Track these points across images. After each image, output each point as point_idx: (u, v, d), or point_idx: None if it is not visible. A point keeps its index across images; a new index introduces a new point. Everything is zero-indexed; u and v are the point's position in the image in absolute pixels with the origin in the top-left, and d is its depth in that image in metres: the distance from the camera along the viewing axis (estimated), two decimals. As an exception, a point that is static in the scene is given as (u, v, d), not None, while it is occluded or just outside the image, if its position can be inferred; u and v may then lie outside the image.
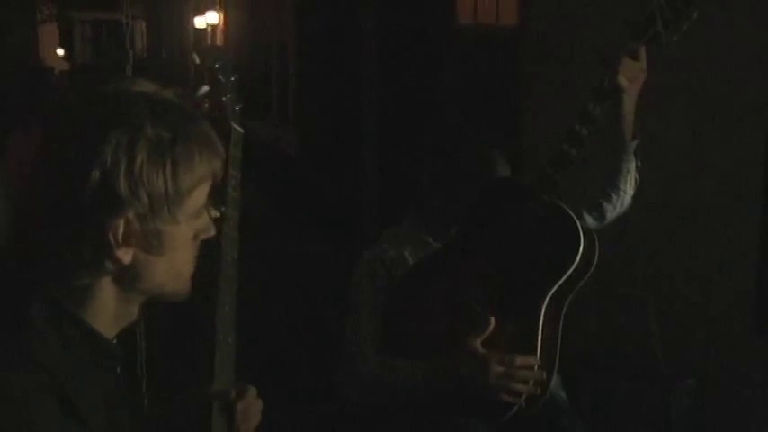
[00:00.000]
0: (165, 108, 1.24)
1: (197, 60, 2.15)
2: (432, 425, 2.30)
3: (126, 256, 1.20)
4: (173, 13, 17.17)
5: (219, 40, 14.42)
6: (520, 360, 2.14)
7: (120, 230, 1.18)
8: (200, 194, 1.27)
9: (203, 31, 15.10)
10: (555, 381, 2.40)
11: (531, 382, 2.15)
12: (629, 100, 2.16)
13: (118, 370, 1.33)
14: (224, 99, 1.78)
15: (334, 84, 7.76)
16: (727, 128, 3.03)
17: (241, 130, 1.77)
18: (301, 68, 9.05)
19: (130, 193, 1.17)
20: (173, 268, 1.27)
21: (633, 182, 2.31)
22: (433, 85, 6.59)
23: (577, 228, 2.18)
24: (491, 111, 5.51)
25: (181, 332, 1.82)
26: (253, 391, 1.56)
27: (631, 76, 2.13)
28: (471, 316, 2.22)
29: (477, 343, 2.16)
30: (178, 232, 1.25)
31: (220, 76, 1.80)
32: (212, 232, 1.34)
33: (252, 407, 1.56)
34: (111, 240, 1.18)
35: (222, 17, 14.16)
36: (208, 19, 14.66)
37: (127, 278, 1.24)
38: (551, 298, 2.19)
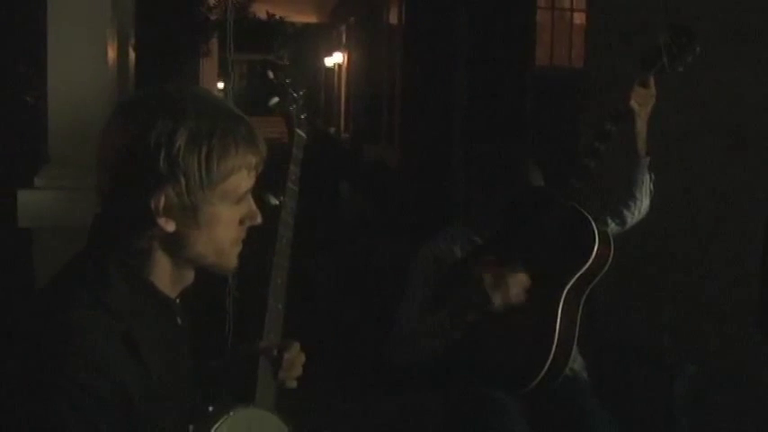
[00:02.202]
0: (213, 107, 1.25)
1: (271, 75, 2.16)
2: (465, 397, 2.26)
3: (168, 225, 1.22)
4: (310, 55, 17.48)
5: (343, 77, 14.60)
6: (519, 280, 2.11)
7: (162, 202, 1.20)
8: (237, 182, 1.26)
9: (331, 69, 15.33)
10: (579, 363, 2.35)
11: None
12: (641, 121, 2.15)
13: (179, 321, 1.34)
14: (291, 109, 1.78)
15: (432, 112, 7.78)
16: (730, 135, 2.90)
17: (303, 135, 1.77)
18: (406, 100, 9.09)
19: (169, 171, 1.19)
20: (213, 242, 1.27)
21: (648, 192, 2.27)
22: (514, 114, 6.55)
23: (594, 231, 2.17)
24: (558, 135, 5.46)
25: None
26: (297, 346, 1.55)
27: (642, 101, 2.12)
28: None
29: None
30: (216, 211, 1.25)
31: (291, 90, 1.80)
32: (258, 220, 1.33)
33: (296, 359, 1.55)
34: (154, 209, 1.20)
35: (346, 57, 14.34)
36: (335, 59, 14.87)
37: (173, 246, 1.26)
38: (570, 289, 2.16)
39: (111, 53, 2.85)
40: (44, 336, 1.15)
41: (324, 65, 16.27)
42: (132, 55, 3.56)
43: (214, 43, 8.91)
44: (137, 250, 1.25)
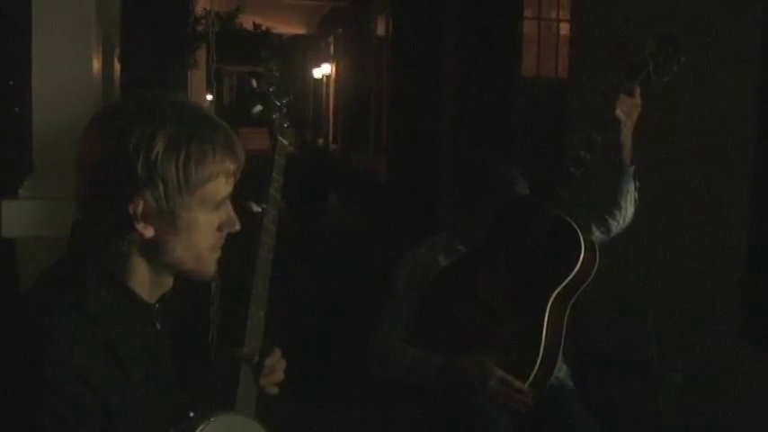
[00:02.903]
0: (191, 114, 1.25)
1: (255, 84, 2.17)
2: (451, 406, 2.25)
3: (146, 230, 1.22)
4: (298, 66, 17.49)
5: (332, 87, 14.61)
6: (517, 385, 2.10)
7: (140, 207, 1.20)
8: (215, 188, 1.26)
9: (320, 80, 15.34)
10: (564, 371, 2.35)
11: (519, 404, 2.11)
12: (626, 130, 2.14)
13: (159, 327, 1.34)
14: (274, 117, 1.78)
15: (419, 124, 7.81)
16: (712, 141, 2.91)
17: (286, 143, 1.76)
18: (393, 111, 9.11)
19: (147, 176, 1.19)
20: (191, 248, 1.27)
21: (633, 200, 2.27)
22: (501, 125, 6.57)
23: (580, 239, 2.16)
24: (545, 145, 5.49)
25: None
26: (278, 352, 1.55)
27: (627, 110, 2.11)
28: (491, 313, 2.20)
29: (490, 357, 2.13)
30: (194, 217, 1.25)
31: (273, 99, 1.80)
32: (237, 227, 1.32)
33: (277, 365, 1.55)
34: (132, 214, 1.20)
35: (334, 68, 14.37)
36: (323, 70, 14.89)
37: (151, 251, 1.25)
38: (556, 297, 2.15)
39: (97, 64, 2.84)
40: (22, 341, 1.15)
41: (312, 76, 16.29)
42: (117, 66, 3.55)
43: (202, 55, 8.90)
44: (115, 255, 1.24)
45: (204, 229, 1.27)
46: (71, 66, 2.71)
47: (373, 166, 10.06)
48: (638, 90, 2.10)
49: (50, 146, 2.77)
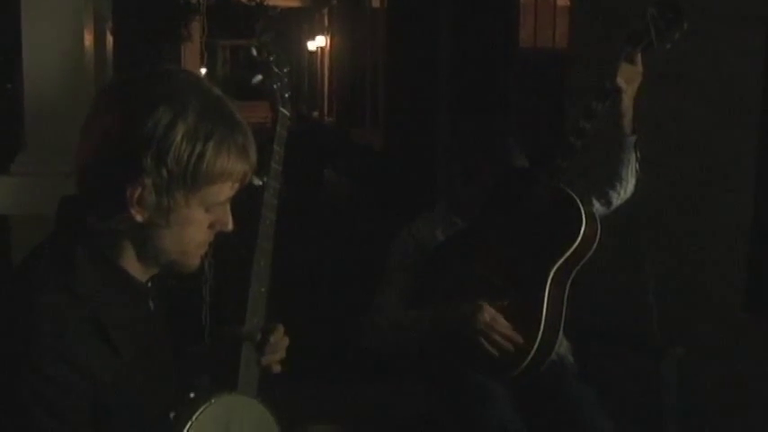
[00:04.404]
0: (216, 107, 1.20)
1: (254, 53, 2.11)
2: (450, 383, 2.24)
3: (138, 215, 1.18)
4: (293, 39, 17.34)
5: (326, 60, 14.50)
6: (505, 324, 2.08)
7: (137, 193, 1.16)
8: (221, 190, 1.23)
9: (314, 52, 15.22)
10: (564, 346, 2.33)
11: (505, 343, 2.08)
12: (628, 99, 2.09)
13: (151, 306, 1.31)
14: (275, 87, 1.74)
15: (416, 96, 7.76)
16: (721, 116, 2.87)
17: (287, 114, 1.73)
18: (389, 83, 9.05)
19: (153, 165, 1.14)
20: (179, 242, 1.24)
21: (634, 172, 2.23)
22: (498, 97, 6.52)
23: (581, 212, 2.12)
24: (543, 117, 5.45)
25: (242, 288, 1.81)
26: (281, 328, 1.53)
27: (629, 78, 2.06)
28: (489, 288, 2.16)
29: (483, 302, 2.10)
30: (188, 214, 1.21)
31: (274, 67, 1.76)
32: (229, 228, 1.29)
33: (280, 342, 1.52)
34: (128, 197, 1.16)
35: (329, 41, 14.25)
36: (318, 42, 14.77)
37: (140, 236, 1.22)
38: (556, 271, 2.12)
39: (89, 38, 2.80)
40: (9, 323, 1.13)
41: (306, 49, 16.16)
42: (110, 39, 3.50)
43: (196, 28, 8.80)
44: (105, 234, 1.21)
45: (196, 226, 1.24)
46: (63, 40, 2.67)
47: (370, 138, 10.01)
48: (639, 57, 2.05)
49: (42, 122, 2.74)
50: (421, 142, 7.61)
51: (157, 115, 1.13)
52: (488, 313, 2.08)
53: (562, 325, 2.14)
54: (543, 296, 2.10)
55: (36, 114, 2.72)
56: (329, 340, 3.79)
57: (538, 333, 2.08)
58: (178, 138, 1.14)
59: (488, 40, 6.62)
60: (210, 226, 1.26)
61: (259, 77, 1.74)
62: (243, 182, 1.25)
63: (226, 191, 1.24)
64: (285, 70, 1.77)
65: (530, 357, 2.08)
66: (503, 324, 2.08)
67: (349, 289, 4.78)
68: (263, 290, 1.53)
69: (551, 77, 5.77)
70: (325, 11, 14.38)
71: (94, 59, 2.93)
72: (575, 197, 2.13)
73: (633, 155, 2.19)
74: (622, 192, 2.26)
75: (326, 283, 5.33)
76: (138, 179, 1.15)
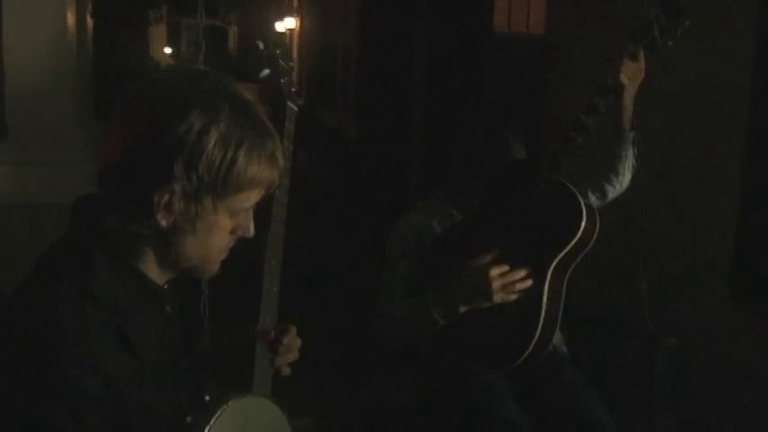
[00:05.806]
0: (248, 113, 1.17)
1: (261, 47, 2.09)
2: (451, 375, 2.25)
3: (164, 220, 1.15)
4: (259, 19, 17.16)
5: (295, 42, 14.37)
6: (517, 274, 2.09)
7: (165, 198, 1.13)
8: (249, 197, 1.20)
9: (283, 34, 15.04)
10: (558, 337, 2.34)
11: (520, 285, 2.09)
12: (629, 95, 2.12)
13: (168, 309, 1.29)
14: (282, 81, 1.72)
15: (389, 80, 7.72)
16: (708, 108, 2.91)
17: (295, 108, 1.72)
18: (362, 66, 9.00)
19: (184, 171, 1.12)
20: (202, 248, 1.21)
21: (631, 167, 2.27)
22: (473, 82, 6.51)
23: (581, 205, 2.13)
24: (521, 104, 5.45)
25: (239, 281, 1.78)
26: (293, 329, 1.51)
27: (631, 75, 2.09)
28: None
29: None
30: (215, 220, 1.19)
31: (281, 61, 1.74)
32: (250, 233, 1.26)
33: (293, 343, 1.51)
34: (155, 203, 1.13)
35: (299, 22, 14.10)
36: (287, 24, 14.61)
37: (162, 240, 1.19)
38: (557, 264, 2.13)
39: (71, 19, 2.73)
40: (31, 333, 1.09)
41: (275, 30, 15.97)
42: (90, 22, 3.42)
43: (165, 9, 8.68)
44: (126, 237, 1.18)
45: (221, 232, 1.22)
46: (45, 25, 2.61)
47: (342, 122, 9.96)
48: (642, 54, 2.07)
49: (25, 108, 2.68)
50: (394, 126, 7.59)
51: (190, 120, 1.10)
52: (497, 271, 2.07)
53: (559, 319, 2.16)
54: (543, 290, 2.11)
55: (18, 101, 2.66)
56: (327, 332, 3.78)
57: (537, 326, 2.10)
58: (211, 144, 1.11)
59: (464, 21, 6.61)
60: (232, 231, 1.24)
61: (267, 72, 1.72)
62: (270, 188, 1.23)
63: (253, 197, 1.22)
64: (291, 64, 1.76)
65: (530, 350, 2.10)
66: (514, 276, 2.08)
67: (322, 278, 4.77)
68: (275, 289, 1.52)
69: (526, 62, 5.78)
70: (295, -9, 14.23)
71: (76, 44, 2.87)
72: (575, 191, 2.14)
73: (631, 150, 2.23)
74: (618, 185, 2.30)
75: (307, 272, 5.31)
76: (166, 185, 1.12)
